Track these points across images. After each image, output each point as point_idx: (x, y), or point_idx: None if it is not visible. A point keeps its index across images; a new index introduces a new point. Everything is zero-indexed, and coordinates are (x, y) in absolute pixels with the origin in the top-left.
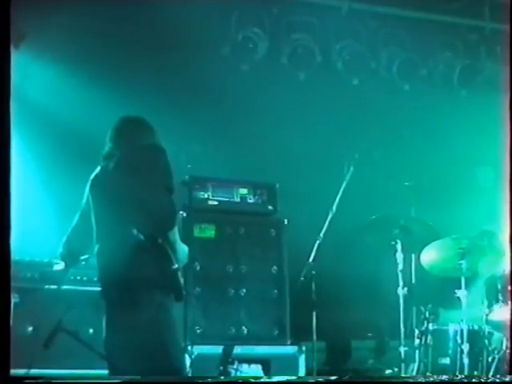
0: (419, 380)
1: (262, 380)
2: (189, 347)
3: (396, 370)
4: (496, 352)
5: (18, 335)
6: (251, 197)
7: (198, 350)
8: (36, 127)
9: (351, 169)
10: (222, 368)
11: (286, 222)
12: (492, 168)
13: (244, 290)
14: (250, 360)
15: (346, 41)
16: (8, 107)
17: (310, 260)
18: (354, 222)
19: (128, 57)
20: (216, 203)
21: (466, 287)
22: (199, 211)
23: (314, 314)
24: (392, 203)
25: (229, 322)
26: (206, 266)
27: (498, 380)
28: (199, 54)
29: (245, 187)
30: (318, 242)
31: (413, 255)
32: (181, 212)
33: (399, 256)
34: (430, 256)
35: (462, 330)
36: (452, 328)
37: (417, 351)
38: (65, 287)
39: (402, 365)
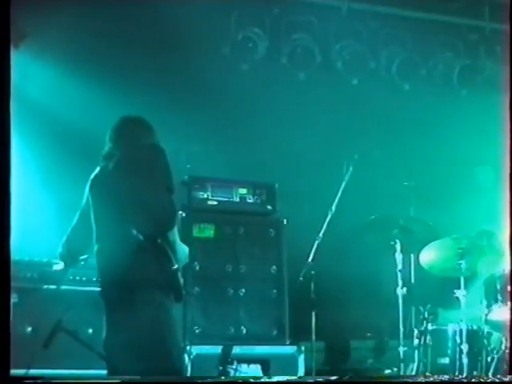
0: (418, 380)
1: (261, 380)
2: (188, 347)
3: (395, 369)
4: (495, 352)
5: (17, 335)
6: (250, 197)
7: (197, 349)
8: (36, 127)
9: (350, 169)
10: (221, 368)
11: (285, 222)
12: (492, 168)
13: (243, 290)
14: (249, 360)
15: (345, 41)
16: (8, 107)
17: (309, 260)
18: (353, 221)
19: (128, 56)
20: (215, 203)
21: (465, 287)
22: (198, 211)
23: (313, 313)
24: (391, 203)
25: (228, 321)
26: (205, 266)
27: (497, 380)
28: (199, 54)
29: (244, 187)
30: (317, 241)
31: (412, 255)
32: (180, 212)
33: (398, 256)
34: (429, 256)
35: (461, 330)
36: (451, 328)
37: (416, 351)
38: (64, 287)
39: (402, 365)
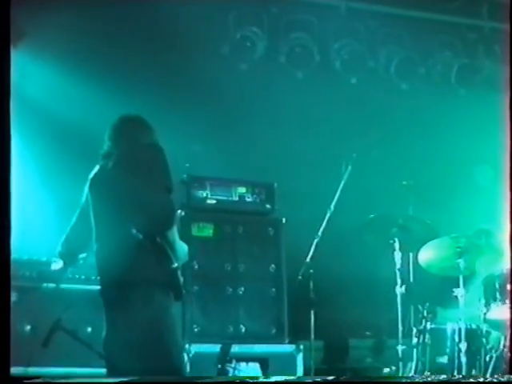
0: (416, 380)
1: (259, 380)
2: (187, 346)
3: (394, 368)
4: (494, 351)
5: (16, 334)
6: (249, 196)
7: (196, 348)
8: (35, 126)
9: (349, 168)
10: (219, 367)
11: (283, 221)
12: (490, 167)
13: (242, 289)
14: (247, 358)
15: (344, 40)
16: (8, 107)
17: (308, 259)
18: (351, 220)
19: (127, 56)
20: (214, 202)
21: (464, 286)
22: (197, 210)
23: (312, 312)
24: (390, 202)
25: (227, 320)
26: (204, 265)
27: (495, 380)
28: (198, 53)
29: (243, 186)
30: (316, 240)
31: (411, 254)
32: (179, 211)
33: (397, 255)
34: (427, 255)
35: (459, 329)
36: (450, 327)
37: (415, 350)
38: (63, 286)
39: (400, 363)
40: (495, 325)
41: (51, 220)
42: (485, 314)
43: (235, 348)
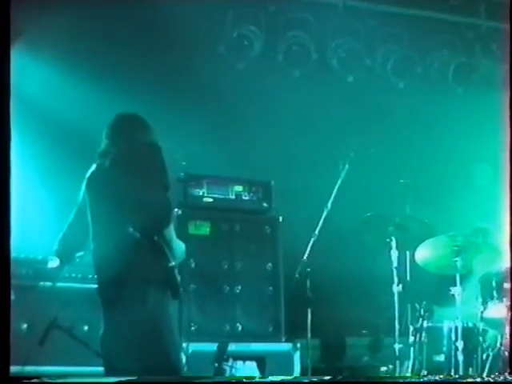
0: (412, 380)
1: (256, 380)
2: (184, 344)
3: (391, 367)
4: (490, 349)
5: (12, 332)
6: (246, 194)
7: (193, 347)
8: (33, 125)
9: (346, 166)
10: (216, 365)
11: (280, 220)
12: (488, 165)
13: (239, 287)
14: (244, 357)
15: (341, 38)
16: (8, 107)
17: (305, 257)
18: (349, 219)
19: (124, 55)
20: (211, 200)
21: (461, 284)
22: (194, 208)
23: (309, 311)
24: (387, 201)
25: (224, 318)
26: (201, 263)
27: (491, 380)
28: (195, 52)
29: (240, 184)
30: (312, 239)
31: (408, 252)
32: (176, 209)
33: (394, 253)
34: (424, 253)
35: (456, 328)
36: (447, 325)
37: (411, 348)
38: (60, 284)
39: (397, 362)
40: (492, 323)
41: (49, 219)
42: (482, 312)
43: (232, 346)
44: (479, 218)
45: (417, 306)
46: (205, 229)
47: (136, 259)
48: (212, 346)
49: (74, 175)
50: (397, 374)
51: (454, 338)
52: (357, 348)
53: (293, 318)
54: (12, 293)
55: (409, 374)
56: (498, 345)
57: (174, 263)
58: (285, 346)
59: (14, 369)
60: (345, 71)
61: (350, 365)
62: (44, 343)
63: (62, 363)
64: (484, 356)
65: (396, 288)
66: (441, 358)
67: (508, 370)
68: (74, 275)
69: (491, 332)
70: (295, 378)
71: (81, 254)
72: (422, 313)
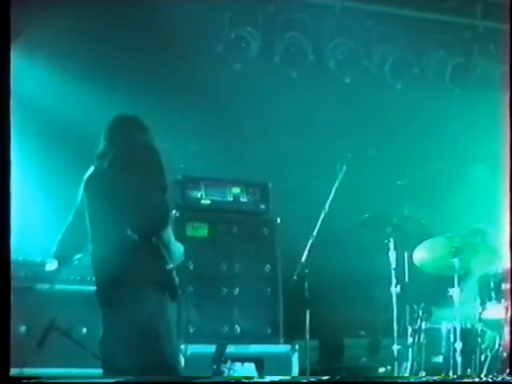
0: (411, 380)
1: (254, 380)
2: (182, 346)
3: (389, 368)
4: (489, 350)
5: (11, 334)
6: (244, 196)
7: (192, 349)
8: (32, 126)
9: (344, 167)
10: (215, 367)
11: (278, 221)
12: (485, 165)
13: (237, 289)
14: (243, 359)
15: (339, 39)
16: (8, 108)
17: (303, 259)
18: (346, 220)
19: (122, 55)
20: (209, 202)
21: (459, 285)
22: (192, 210)
23: (307, 312)
24: (385, 202)
25: (222, 320)
26: (199, 265)
27: (490, 380)
28: (193, 54)
29: (237, 186)
30: (310, 240)
31: (406, 253)
32: (174, 211)
33: (392, 254)
34: (422, 254)
35: (454, 329)
36: (445, 326)
37: (410, 350)
38: (58, 287)
39: (395, 363)
40: (490, 324)
41: (47, 221)
42: (480, 313)
43: (230, 348)
44: (476, 219)
45: (415, 307)
46: (203, 231)
47: (134, 261)
48: (210, 348)
49: (72, 177)
50: (395, 375)
51: (452, 339)
52: (355, 349)
53: (291, 320)
54: (10, 295)
55: (407, 375)
56: (497, 346)
57: (172, 265)
58: (283, 348)
59: (12, 371)
60: (342, 72)
61: (348, 366)
62: (42, 345)
63: (61, 365)
64: (482, 357)
65: (394, 289)
66: (439, 359)
67: (508, 371)
68: (72, 277)
69: (489, 333)
70: (293, 377)
71: (79, 256)
72: (421, 314)
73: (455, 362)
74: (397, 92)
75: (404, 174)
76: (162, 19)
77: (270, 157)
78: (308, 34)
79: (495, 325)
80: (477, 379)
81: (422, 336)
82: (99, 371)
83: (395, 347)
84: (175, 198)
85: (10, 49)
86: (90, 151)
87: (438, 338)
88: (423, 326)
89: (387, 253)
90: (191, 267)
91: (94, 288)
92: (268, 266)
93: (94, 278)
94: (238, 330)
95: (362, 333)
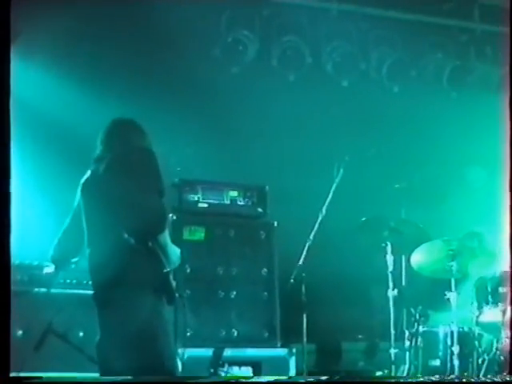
0: (409, 380)
1: (252, 380)
2: (179, 350)
3: (386, 371)
4: (486, 354)
5: None
6: (241, 199)
7: (189, 352)
8: (30, 129)
9: (341, 171)
10: (212, 370)
11: (275, 225)
12: (482, 168)
13: (234, 293)
14: (240, 362)
15: (336, 42)
16: (8, 110)
17: (300, 262)
18: (344, 224)
19: (120, 59)
20: (206, 206)
21: (456, 289)
22: (189, 214)
23: (304, 316)
24: (382, 205)
25: (219, 324)
26: (196, 269)
27: (488, 380)
28: (190, 57)
29: (235, 189)
30: (307, 244)
31: (403, 257)
32: (171, 214)
33: (389, 258)
34: (420, 258)
35: (452, 332)
36: (442, 330)
37: (407, 353)
38: (55, 290)
39: (393, 367)
40: (488, 328)
41: (45, 224)
42: (477, 316)
43: (228, 352)
44: (474, 222)
45: (412, 310)
46: (200, 234)
47: (131, 265)
48: (207, 352)
49: (70, 181)
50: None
51: (449, 343)
52: (352, 353)
53: (288, 323)
54: None
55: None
56: (494, 349)
57: (169, 269)
58: (280, 351)
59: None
60: (339, 75)
61: (345, 369)
62: (39, 349)
63: (58, 369)
64: (480, 360)
65: (391, 292)
66: (436, 362)
67: (507, 371)
68: (68, 281)
69: (487, 336)
70: (290, 377)
71: (76, 259)
72: (418, 317)
73: (452, 366)
74: (394, 95)
75: (401, 177)
76: (160, 23)
77: (268, 160)
78: (305, 37)
79: (492, 328)
80: (474, 379)
81: (419, 339)
82: (96, 375)
83: (392, 351)
84: (172, 201)
85: (9, 50)
86: (88, 155)
87: (435, 342)
88: (420, 330)
89: (384, 256)
90: (188, 271)
91: (90, 292)
92: (265, 269)
93: (90, 282)
94: (235, 334)
95: (360, 336)
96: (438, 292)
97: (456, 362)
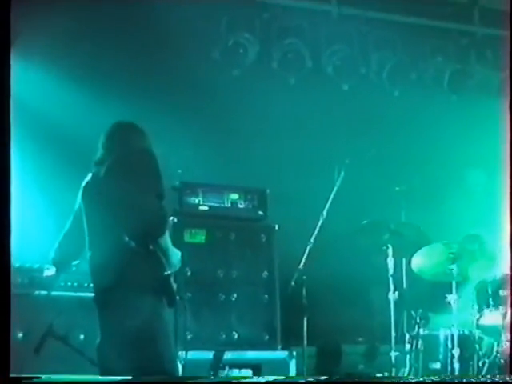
0: (408, 380)
1: (252, 380)
2: (180, 352)
3: (387, 374)
4: (486, 357)
5: None
6: (242, 202)
7: (189, 355)
8: (30, 131)
9: (342, 174)
10: (212, 373)
11: (276, 227)
12: (482, 171)
13: (235, 295)
14: (240, 365)
15: (336, 45)
16: (8, 111)
17: (301, 265)
18: (344, 227)
19: (120, 61)
20: (206, 208)
21: (457, 292)
22: (190, 216)
23: (305, 318)
24: (382, 208)
25: (219, 327)
26: (196, 271)
27: (488, 380)
28: (190, 60)
29: (235, 192)
30: (308, 247)
31: (404, 260)
32: (171, 217)
33: (390, 261)
34: (420, 261)
35: (452, 335)
36: (443, 333)
37: (407, 356)
38: (55, 293)
39: (393, 369)
40: (488, 331)
41: (46, 227)
42: (478, 319)
43: (228, 355)
44: (474, 225)
45: (413, 313)
46: (200, 237)
47: (132, 268)
48: (208, 354)
49: (71, 183)
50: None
51: (450, 346)
52: (352, 356)
53: (289, 326)
54: None
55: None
56: (494, 352)
57: (169, 271)
58: (281, 354)
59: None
60: (340, 78)
61: (345, 372)
62: (40, 352)
63: (58, 371)
64: (480, 363)
65: (392, 295)
66: (437, 365)
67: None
68: (69, 284)
69: (487, 339)
70: (288, 377)
71: (77, 262)
72: (418, 320)
73: (453, 369)
74: (394, 98)
75: (402, 179)
76: (160, 25)
77: (268, 163)
78: (305, 40)
79: (493, 331)
80: (474, 380)
81: (420, 342)
82: (96, 377)
83: (393, 354)
84: (173, 203)
85: (9, 51)
86: (88, 155)
87: (435, 345)
88: (421, 333)
89: (385, 259)
90: (189, 273)
91: (91, 294)
92: (265, 272)
93: (91, 285)
94: (236, 337)
95: (360, 339)
96: (439, 295)
97: (456, 365)
